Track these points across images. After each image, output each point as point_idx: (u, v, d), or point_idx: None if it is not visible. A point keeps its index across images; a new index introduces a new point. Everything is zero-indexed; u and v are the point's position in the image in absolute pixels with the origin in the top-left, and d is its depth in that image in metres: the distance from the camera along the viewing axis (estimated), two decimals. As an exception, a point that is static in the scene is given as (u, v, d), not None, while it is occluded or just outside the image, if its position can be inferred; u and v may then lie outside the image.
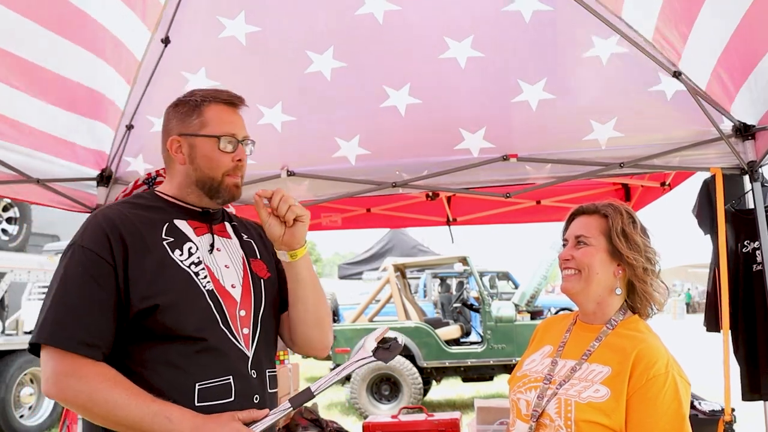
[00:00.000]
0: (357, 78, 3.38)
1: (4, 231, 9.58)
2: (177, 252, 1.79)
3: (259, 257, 1.99)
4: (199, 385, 1.71)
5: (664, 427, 1.76)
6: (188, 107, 1.90)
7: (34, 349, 1.69)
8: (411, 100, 3.41)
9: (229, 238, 1.96)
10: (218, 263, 1.86)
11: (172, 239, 1.80)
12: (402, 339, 1.84)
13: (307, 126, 3.60)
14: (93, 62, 3.20)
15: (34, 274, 9.53)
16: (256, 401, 1.81)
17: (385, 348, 1.80)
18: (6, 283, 9.06)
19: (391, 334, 1.84)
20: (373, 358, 1.79)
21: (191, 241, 1.83)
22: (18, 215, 9.72)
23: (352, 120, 3.61)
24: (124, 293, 1.70)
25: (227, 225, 2.01)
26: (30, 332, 8.66)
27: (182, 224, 1.86)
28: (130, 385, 1.63)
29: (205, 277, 1.79)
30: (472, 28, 3.13)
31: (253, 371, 1.82)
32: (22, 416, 8.22)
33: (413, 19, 3.12)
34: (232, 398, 1.75)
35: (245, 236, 2.02)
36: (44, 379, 1.66)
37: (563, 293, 2.08)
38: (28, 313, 9.17)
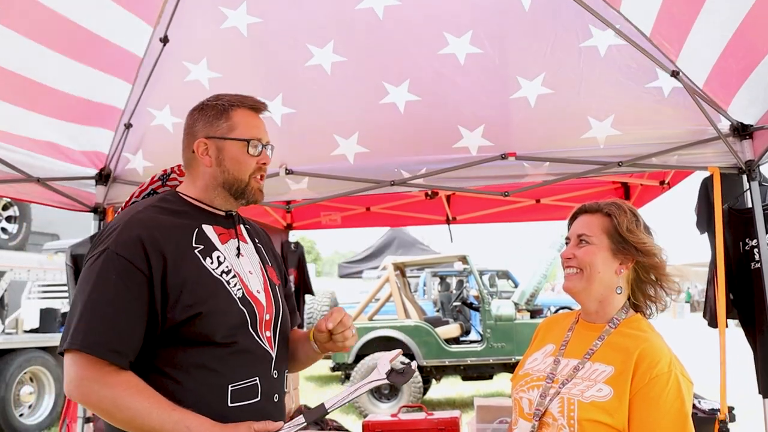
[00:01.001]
0: (357, 73, 3.39)
1: (4, 230, 9.58)
2: (208, 260, 1.83)
3: (270, 264, 2.07)
4: (231, 387, 1.78)
5: (666, 426, 1.76)
6: (216, 111, 1.95)
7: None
8: (410, 97, 3.42)
9: (246, 242, 2.02)
10: (244, 269, 1.92)
11: (202, 247, 1.84)
12: (415, 365, 1.90)
13: (307, 121, 3.60)
14: (93, 75, 3.22)
15: (34, 272, 9.52)
16: (276, 400, 1.91)
17: (399, 372, 1.86)
18: (6, 282, 9.07)
19: (404, 359, 1.95)
20: (386, 381, 1.86)
21: (218, 249, 1.88)
22: (18, 214, 9.72)
23: (351, 116, 3.61)
24: (161, 304, 1.73)
25: (242, 228, 2.06)
26: (30, 331, 8.69)
27: (209, 230, 1.90)
28: (153, 393, 1.67)
29: (236, 284, 1.85)
30: (472, 23, 3.13)
31: (275, 371, 1.91)
32: (21, 415, 8.22)
33: (413, 14, 3.13)
34: (258, 398, 1.83)
35: (257, 240, 2.09)
36: (67, 381, 1.69)
37: (565, 292, 2.08)
38: (28, 312, 9.17)
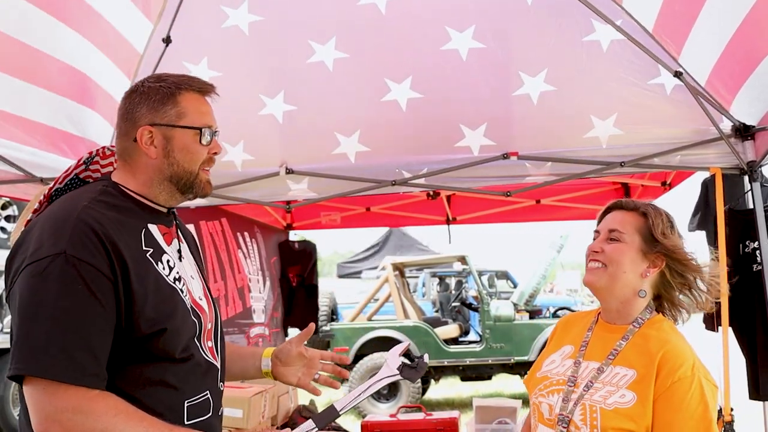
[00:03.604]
0: (359, 70, 3.37)
1: (3, 229, 9.56)
2: (159, 265, 1.64)
3: (200, 267, 1.92)
4: (188, 403, 1.65)
5: (689, 431, 1.72)
6: (161, 95, 1.70)
7: (18, 377, 1.45)
8: (412, 94, 3.40)
9: (183, 242, 1.83)
10: (187, 273, 1.76)
11: (152, 250, 1.65)
12: (427, 357, 1.79)
13: (308, 119, 3.59)
14: (91, 50, 3.15)
15: (33, 272, 9.48)
16: (219, 414, 1.79)
17: (412, 366, 1.74)
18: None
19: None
20: (399, 377, 1.74)
21: (166, 252, 1.69)
22: (17, 213, 9.71)
23: (352, 114, 3.60)
24: (126, 313, 1.53)
25: (177, 226, 1.86)
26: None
27: (154, 230, 1.70)
28: (144, 416, 1.49)
29: (185, 292, 1.69)
30: (475, 17, 3.12)
31: (220, 384, 1.81)
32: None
33: (415, 8, 3.11)
34: (210, 413, 1.72)
35: (187, 239, 1.91)
36: (42, 417, 1.44)
37: (586, 286, 2.00)
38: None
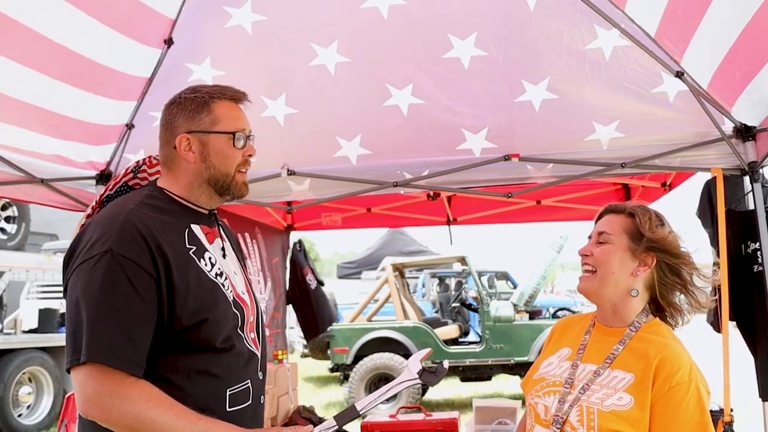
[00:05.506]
0: (360, 74, 3.36)
1: (3, 230, 9.56)
2: (202, 262, 1.77)
3: (244, 264, 2.04)
4: (229, 391, 1.76)
5: None
6: (196, 104, 1.85)
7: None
8: (414, 101, 3.39)
9: (226, 241, 1.96)
10: (230, 269, 1.88)
11: (195, 248, 1.78)
12: (447, 363, 1.87)
13: (309, 122, 3.58)
14: (103, 103, 3.29)
15: (33, 273, 9.51)
16: (261, 402, 1.89)
17: (431, 371, 1.82)
18: (5, 282, 9.05)
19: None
20: (419, 381, 1.83)
21: (208, 250, 1.82)
22: (17, 214, 9.71)
23: (353, 118, 3.59)
24: (168, 307, 1.66)
25: (219, 226, 1.99)
26: (28, 331, 8.66)
27: (197, 230, 1.83)
28: (174, 404, 1.60)
29: (228, 287, 1.81)
30: (477, 24, 3.11)
31: (260, 373, 1.90)
32: (20, 415, 8.20)
33: (417, 14, 3.10)
34: (250, 401, 1.82)
35: (230, 239, 2.03)
36: (84, 399, 1.58)
37: (580, 293, 2.03)
38: (27, 312, 9.16)
